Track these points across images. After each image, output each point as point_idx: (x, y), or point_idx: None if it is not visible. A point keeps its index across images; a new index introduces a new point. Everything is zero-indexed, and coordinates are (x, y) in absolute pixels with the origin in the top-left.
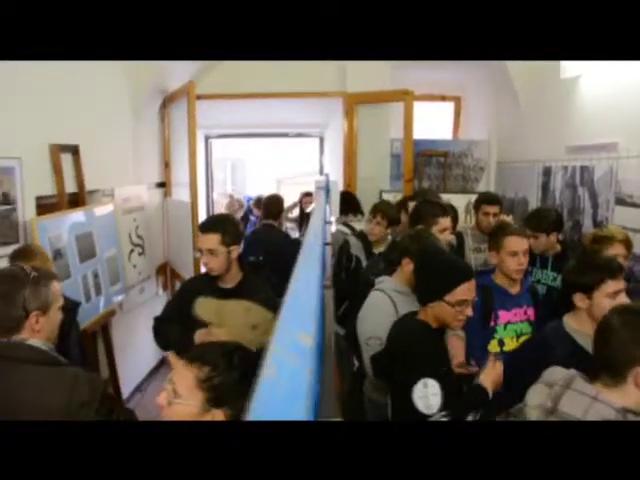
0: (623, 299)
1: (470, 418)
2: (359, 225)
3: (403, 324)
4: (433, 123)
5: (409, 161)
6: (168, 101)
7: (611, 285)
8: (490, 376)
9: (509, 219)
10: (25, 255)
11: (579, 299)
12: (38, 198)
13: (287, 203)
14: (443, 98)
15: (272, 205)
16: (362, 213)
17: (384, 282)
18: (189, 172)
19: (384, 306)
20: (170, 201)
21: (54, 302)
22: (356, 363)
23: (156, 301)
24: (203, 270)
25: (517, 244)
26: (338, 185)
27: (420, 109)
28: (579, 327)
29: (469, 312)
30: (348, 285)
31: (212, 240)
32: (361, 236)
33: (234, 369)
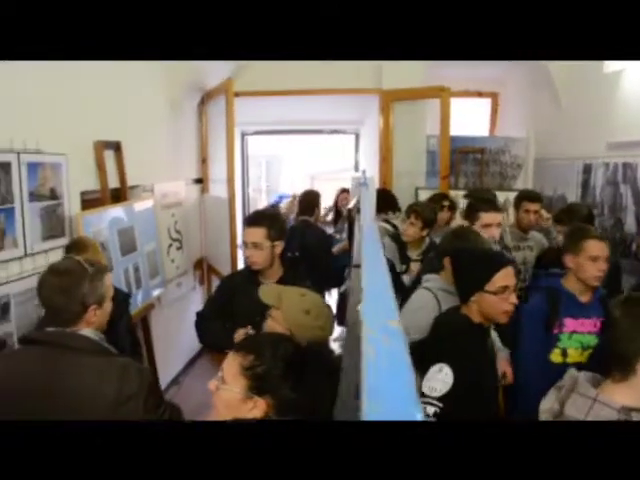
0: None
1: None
2: (398, 223)
3: (443, 316)
4: (469, 120)
5: (445, 158)
6: (206, 98)
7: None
8: None
9: (549, 216)
10: (79, 247)
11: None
12: (83, 193)
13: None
14: (480, 94)
15: (308, 201)
16: (400, 210)
17: (431, 280)
18: (227, 169)
19: (428, 303)
20: (207, 197)
21: (107, 294)
22: None
23: (193, 296)
24: (240, 265)
25: (599, 249)
26: (375, 182)
27: (456, 105)
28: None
29: (513, 299)
30: None
31: (257, 234)
32: (395, 237)
33: (279, 359)
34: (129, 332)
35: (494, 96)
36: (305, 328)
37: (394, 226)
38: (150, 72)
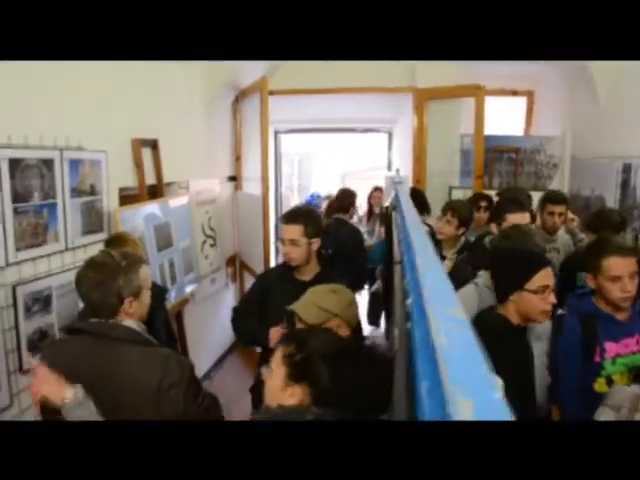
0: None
1: None
2: (433, 222)
3: (480, 315)
4: (504, 118)
5: (480, 157)
6: (240, 97)
7: None
8: None
9: (574, 217)
10: (118, 242)
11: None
12: (121, 189)
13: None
14: (515, 93)
15: (344, 199)
16: (429, 212)
17: (481, 277)
18: (261, 167)
19: (467, 297)
20: (240, 194)
21: (144, 286)
22: None
23: (226, 292)
24: (273, 263)
25: (621, 266)
26: (409, 181)
27: (491, 104)
28: None
29: (553, 299)
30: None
31: (295, 231)
32: (429, 236)
33: (317, 349)
34: (165, 325)
35: (530, 94)
36: (333, 306)
37: (428, 225)
38: (186, 71)
